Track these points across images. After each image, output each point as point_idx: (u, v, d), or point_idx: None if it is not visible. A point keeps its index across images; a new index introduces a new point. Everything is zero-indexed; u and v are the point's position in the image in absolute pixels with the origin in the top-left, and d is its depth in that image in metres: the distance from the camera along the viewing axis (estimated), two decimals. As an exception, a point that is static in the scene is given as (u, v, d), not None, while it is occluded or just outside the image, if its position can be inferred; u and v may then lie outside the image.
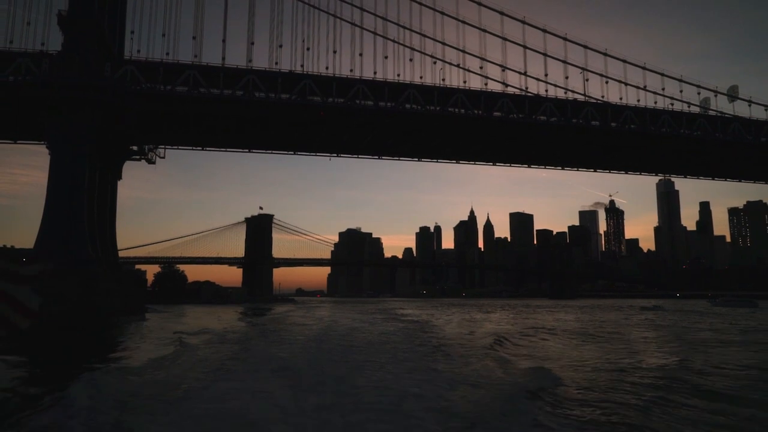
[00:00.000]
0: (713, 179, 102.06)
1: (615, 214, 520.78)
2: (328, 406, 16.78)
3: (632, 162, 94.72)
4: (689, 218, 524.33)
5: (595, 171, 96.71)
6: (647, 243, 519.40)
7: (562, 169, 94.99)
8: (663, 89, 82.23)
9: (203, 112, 66.68)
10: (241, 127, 74.02)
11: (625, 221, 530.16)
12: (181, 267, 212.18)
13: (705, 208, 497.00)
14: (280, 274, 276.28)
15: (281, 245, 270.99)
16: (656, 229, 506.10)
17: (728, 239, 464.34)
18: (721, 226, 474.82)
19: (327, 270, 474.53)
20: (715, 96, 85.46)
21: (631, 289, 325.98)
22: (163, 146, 77.30)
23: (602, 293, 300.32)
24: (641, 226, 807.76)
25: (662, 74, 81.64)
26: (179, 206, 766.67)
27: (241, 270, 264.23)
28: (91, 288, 54.09)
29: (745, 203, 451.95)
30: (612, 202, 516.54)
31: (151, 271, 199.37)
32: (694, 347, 35.15)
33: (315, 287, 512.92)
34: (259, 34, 72.18)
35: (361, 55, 72.15)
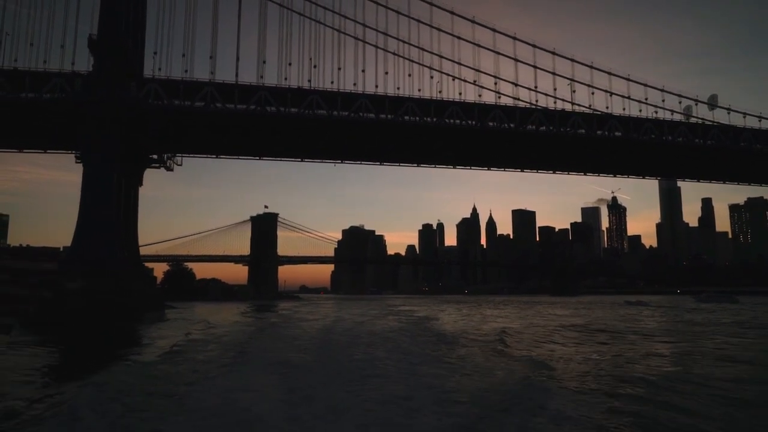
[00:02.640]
0: (698, 181, 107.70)
1: (617, 210, 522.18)
2: (335, 387, 20.05)
3: (621, 166, 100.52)
4: (692, 214, 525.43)
5: (585, 174, 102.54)
6: (650, 239, 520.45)
7: (554, 173, 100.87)
8: (646, 98, 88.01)
9: (219, 123, 73.14)
10: (247, 131, 79.95)
11: (627, 218, 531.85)
12: (188, 264, 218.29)
13: (707, 205, 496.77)
14: (284, 271, 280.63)
15: (285, 243, 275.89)
16: (658, 226, 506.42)
17: (730, 235, 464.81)
18: (724, 222, 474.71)
19: (330, 267, 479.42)
20: (696, 105, 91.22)
21: (632, 285, 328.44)
22: (180, 155, 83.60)
23: (603, 290, 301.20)
24: (644, 223, 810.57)
25: (645, 84, 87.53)
26: (184, 204, 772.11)
27: (246, 267, 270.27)
28: (120, 287, 60.36)
29: (746, 200, 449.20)
30: (614, 198, 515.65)
31: (158, 268, 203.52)
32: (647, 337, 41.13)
33: (318, 284, 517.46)
34: (270, 53, 78.43)
35: (363, 71, 78.50)
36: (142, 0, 74.99)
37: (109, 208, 64.09)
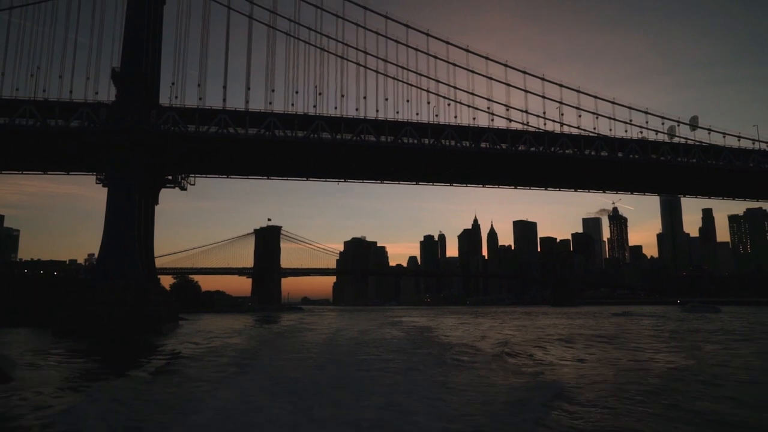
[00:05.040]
0: (684, 196, 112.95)
1: (618, 221, 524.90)
2: (340, 379, 25.15)
3: (609, 183, 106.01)
4: (693, 224, 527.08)
5: (575, 191, 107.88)
6: (651, 250, 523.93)
7: (546, 189, 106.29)
8: (630, 120, 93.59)
9: (232, 147, 79.37)
10: (257, 153, 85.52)
11: (628, 228, 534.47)
12: (193, 277, 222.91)
13: (708, 215, 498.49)
14: (286, 283, 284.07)
15: (288, 255, 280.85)
16: (659, 236, 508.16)
17: (731, 246, 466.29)
18: (724, 232, 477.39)
19: (332, 279, 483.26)
20: (678, 126, 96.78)
21: (633, 296, 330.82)
22: (194, 175, 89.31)
23: (604, 300, 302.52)
24: (645, 233, 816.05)
25: (629, 107, 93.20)
26: (188, 217, 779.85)
27: (250, 279, 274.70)
28: (143, 299, 65.72)
29: (745, 210, 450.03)
30: (615, 209, 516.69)
31: (164, 281, 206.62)
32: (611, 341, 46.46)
33: (321, 296, 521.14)
34: (278, 82, 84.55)
35: (365, 98, 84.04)
36: (158, 36, 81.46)
37: (132, 227, 69.61)
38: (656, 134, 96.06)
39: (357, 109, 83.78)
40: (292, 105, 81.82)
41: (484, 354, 36.78)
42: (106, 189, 74.88)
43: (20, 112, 71.22)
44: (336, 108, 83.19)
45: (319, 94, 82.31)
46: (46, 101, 73.13)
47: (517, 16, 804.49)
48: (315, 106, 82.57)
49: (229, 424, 16.42)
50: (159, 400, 20.97)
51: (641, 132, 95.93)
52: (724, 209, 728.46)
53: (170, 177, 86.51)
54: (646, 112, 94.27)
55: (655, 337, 50.44)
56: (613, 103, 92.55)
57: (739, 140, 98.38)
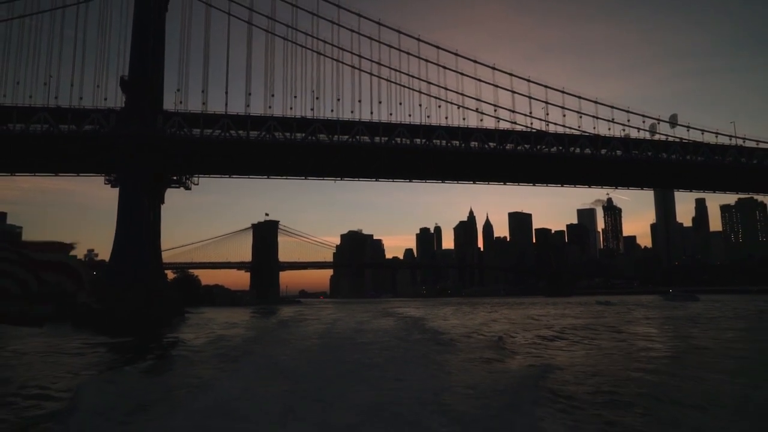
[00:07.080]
0: (667, 189, 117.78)
1: (613, 212, 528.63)
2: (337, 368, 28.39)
3: (594, 178, 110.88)
4: (686, 214, 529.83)
5: (562, 186, 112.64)
6: (645, 240, 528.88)
7: (534, 185, 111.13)
8: (613, 119, 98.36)
9: (234, 149, 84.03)
10: (257, 155, 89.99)
11: (623, 218, 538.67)
12: (192, 271, 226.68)
13: (701, 205, 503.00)
14: (284, 276, 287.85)
15: (286, 248, 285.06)
16: (653, 226, 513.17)
17: (723, 235, 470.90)
18: (718, 222, 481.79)
19: (329, 272, 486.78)
20: (658, 123, 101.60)
21: (627, 285, 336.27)
22: (197, 175, 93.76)
23: (598, 290, 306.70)
24: (639, 223, 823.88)
25: (612, 106, 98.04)
26: (186, 211, 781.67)
27: (248, 273, 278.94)
28: (153, 296, 70.45)
29: (737, 200, 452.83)
30: (610, 200, 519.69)
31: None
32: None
33: (318, 289, 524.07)
34: (277, 87, 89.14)
35: (359, 101, 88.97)
36: (161, 45, 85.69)
37: (141, 227, 74.28)
38: (638, 131, 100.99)
39: (352, 112, 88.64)
40: (291, 108, 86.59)
41: (473, 338, 41.45)
42: (107, 186, 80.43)
43: (35, 118, 75.51)
44: (332, 111, 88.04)
45: (317, 98, 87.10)
46: (59, 108, 77.46)
47: (510, 8, 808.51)
48: (312, 109, 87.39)
49: (242, 395, 18.87)
50: (175, 377, 24.18)
51: (624, 129, 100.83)
52: (717, 199, 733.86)
53: (175, 177, 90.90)
54: (628, 111, 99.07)
55: (622, 325, 55.46)
56: (596, 102, 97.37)
57: (716, 137, 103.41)
